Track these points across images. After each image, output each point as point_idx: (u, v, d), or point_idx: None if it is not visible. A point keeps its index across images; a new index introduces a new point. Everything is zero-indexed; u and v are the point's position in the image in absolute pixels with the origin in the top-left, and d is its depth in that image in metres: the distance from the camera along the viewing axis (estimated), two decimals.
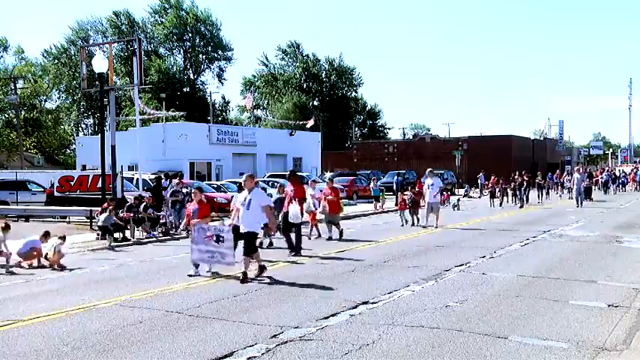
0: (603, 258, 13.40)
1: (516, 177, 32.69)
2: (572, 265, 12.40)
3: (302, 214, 15.08)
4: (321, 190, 18.62)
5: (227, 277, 11.42)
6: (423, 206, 21.34)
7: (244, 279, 10.73)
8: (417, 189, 22.86)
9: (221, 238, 11.04)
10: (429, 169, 22.51)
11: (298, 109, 79.75)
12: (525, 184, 32.38)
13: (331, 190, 18.13)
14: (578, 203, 30.16)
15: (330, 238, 17.03)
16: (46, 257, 12.98)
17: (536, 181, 37.11)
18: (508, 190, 32.91)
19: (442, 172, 45.58)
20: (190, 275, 11.34)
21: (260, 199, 11.25)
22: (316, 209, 17.55)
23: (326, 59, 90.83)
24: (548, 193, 37.70)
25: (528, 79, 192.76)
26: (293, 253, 13.96)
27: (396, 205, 23.53)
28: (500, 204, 31.71)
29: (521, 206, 30.76)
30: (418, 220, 21.32)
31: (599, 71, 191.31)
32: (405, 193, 22.77)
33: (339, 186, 34.78)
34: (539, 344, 6.92)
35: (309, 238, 16.97)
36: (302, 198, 15.43)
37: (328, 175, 45.70)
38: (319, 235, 17.58)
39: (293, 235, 14.62)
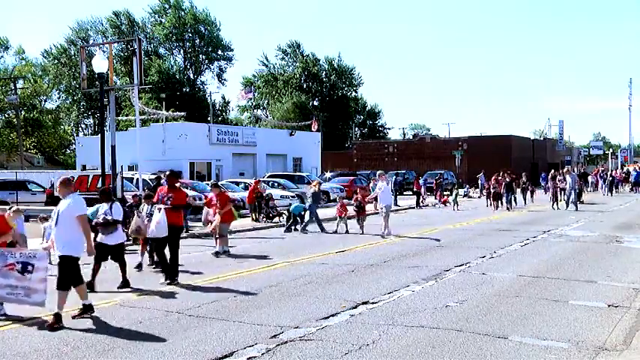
0: (603, 258, 13.41)
1: (500, 178, 29.86)
2: (572, 265, 12.40)
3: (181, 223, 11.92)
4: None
5: (227, 277, 11.43)
6: (381, 213, 18.64)
7: (55, 323, 7.87)
8: (358, 196, 20.35)
9: (29, 268, 8.17)
10: (379, 171, 21.13)
11: (298, 109, 79.76)
12: (509, 185, 29.56)
13: (218, 197, 15.06)
14: (574, 206, 27.95)
15: (217, 253, 14.36)
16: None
17: (521, 181, 33.94)
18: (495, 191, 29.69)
19: (442, 171, 45.60)
20: None
21: (73, 209, 8.36)
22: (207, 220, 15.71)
23: (326, 59, 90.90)
24: (532, 195, 34.47)
25: (528, 79, 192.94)
26: (167, 281, 10.75)
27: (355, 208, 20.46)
28: (496, 207, 28.89)
29: (508, 209, 28.60)
30: (363, 230, 19.09)
31: (599, 71, 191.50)
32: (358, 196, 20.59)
33: (338, 186, 34.94)
34: (539, 344, 6.92)
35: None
36: (183, 205, 11.86)
37: (328, 174, 45.74)
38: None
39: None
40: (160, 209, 11.16)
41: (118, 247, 10.74)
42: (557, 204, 28.87)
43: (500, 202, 29.13)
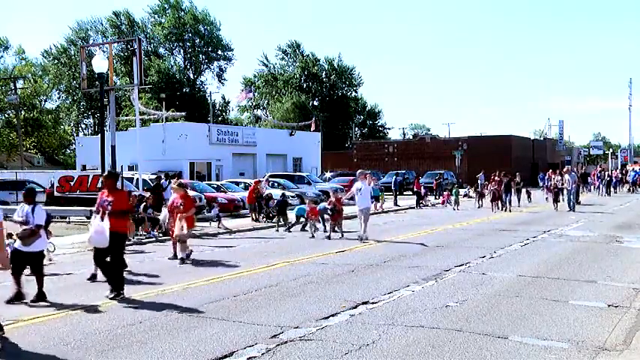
0: (603, 258, 13.40)
1: (496, 178, 29.27)
2: (572, 265, 12.40)
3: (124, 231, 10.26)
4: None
5: (227, 277, 11.43)
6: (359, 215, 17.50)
7: None
8: (333, 199, 18.34)
9: None
10: (359, 170, 19.52)
11: (298, 109, 79.79)
12: (507, 186, 29.04)
13: (183, 199, 14.01)
14: (570, 208, 27.51)
15: (182, 260, 13.36)
16: None
17: (515, 181, 32.21)
18: (487, 192, 29.39)
19: (442, 172, 45.61)
20: None
21: None
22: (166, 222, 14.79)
23: (326, 59, 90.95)
24: (528, 196, 33.89)
25: (528, 79, 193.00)
26: (112, 294, 9.59)
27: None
28: (500, 207, 28.58)
29: (505, 209, 28.21)
30: (342, 234, 17.70)
31: (599, 71, 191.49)
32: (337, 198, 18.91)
33: (338, 186, 34.93)
34: (539, 344, 6.92)
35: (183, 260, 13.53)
36: (125, 210, 10.36)
37: (328, 174, 45.73)
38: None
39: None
40: (98, 215, 9.88)
41: (37, 256, 9.58)
42: (557, 205, 28.39)
43: (500, 202, 28.64)
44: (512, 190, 30.27)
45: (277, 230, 20.26)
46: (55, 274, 11.90)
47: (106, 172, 10.54)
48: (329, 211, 18.23)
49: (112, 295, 9.55)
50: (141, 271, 12.44)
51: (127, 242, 16.74)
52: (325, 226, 18.84)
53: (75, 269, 12.69)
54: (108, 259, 9.94)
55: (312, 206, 19.06)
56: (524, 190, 33.09)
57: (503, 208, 28.46)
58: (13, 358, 6.75)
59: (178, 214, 13.77)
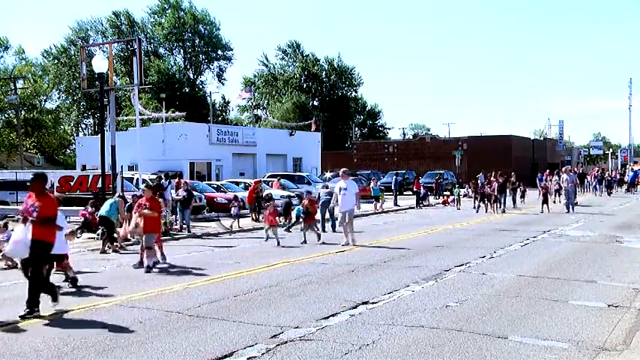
0: (603, 258, 13.41)
1: (492, 179, 28.28)
2: (572, 265, 12.40)
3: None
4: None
5: (227, 277, 11.43)
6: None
7: None
8: (306, 201, 17.49)
9: None
10: (342, 169, 17.56)
11: (298, 109, 79.77)
12: (502, 186, 27.87)
13: (149, 202, 12.95)
14: (568, 209, 26.68)
15: (148, 268, 12.24)
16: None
17: (511, 181, 31.31)
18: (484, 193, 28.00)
19: (442, 172, 45.60)
20: None
21: None
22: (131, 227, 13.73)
23: (326, 59, 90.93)
24: (523, 197, 32.97)
25: (528, 79, 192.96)
26: (24, 312, 8.41)
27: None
28: (477, 209, 27.70)
29: (503, 211, 27.15)
30: (319, 236, 16.79)
31: (599, 71, 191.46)
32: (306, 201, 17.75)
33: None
34: (539, 344, 6.92)
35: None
36: (52, 217, 8.83)
37: (328, 174, 45.71)
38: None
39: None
40: (20, 222, 8.92)
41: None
42: (545, 207, 26.90)
43: (491, 203, 27.61)
44: (508, 190, 29.59)
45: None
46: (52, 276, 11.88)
47: (32, 175, 9.29)
48: (302, 214, 17.39)
49: (24, 313, 8.36)
50: (141, 271, 12.45)
51: (127, 243, 16.90)
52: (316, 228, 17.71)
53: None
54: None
55: (273, 209, 17.09)
56: (519, 190, 32.36)
57: (496, 209, 27.33)
58: (13, 357, 6.75)
59: (138, 212, 12.98)
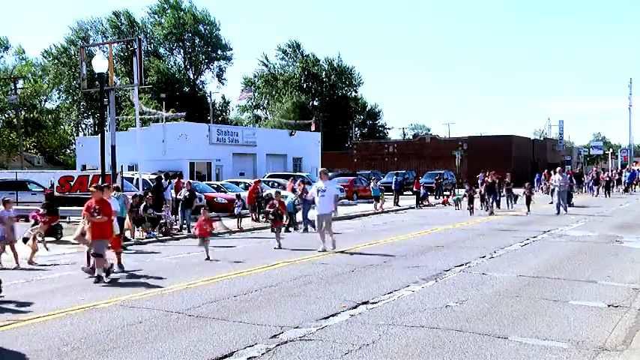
0: (603, 258, 13.41)
1: (486, 178, 27.65)
2: (572, 265, 12.40)
3: None
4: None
5: (227, 277, 11.43)
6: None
7: None
8: (276, 202, 16.48)
9: None
10: (322, 169, 16.24)
11: (298, 109, 79.81)
12: (490, 187, 27.20)
13: (99, 204, 11.39)
14: (558, 210, 25.40)
15: (99, 277, 11.07)
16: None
17: (505, 181, 31.02)
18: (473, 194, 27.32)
19: (442, 172, 45.61)
20: None
21: None
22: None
23: (326, 59, 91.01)
24: (515, 198, 30.94)
25: (528, 79, 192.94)
26: None
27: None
28: (471, 211, 26.51)
29: (491, 213, 26.26)
30: (305, 229, 16.26)
31: (599, 71, 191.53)
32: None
33: (338, 186, 34.94)
34: (539, 344, 6.92)
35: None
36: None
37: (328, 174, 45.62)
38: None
39: None
40: None
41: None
42: (529, 207, 26.30)
43: (483, 204, 27.10)
44: (502, 191, 29.01)
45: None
46: (54, 275, 11.90)
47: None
48: (270, 215, 16.23)
49: None
50: (141, 271, 12.45)
51: (127, 243, 16.90)
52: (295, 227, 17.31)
53: (73, 269, 12.67)
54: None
55: (206, 217, 14.47)
56: (513, 191, 31.16)
57: (491, 211, 26.46)
58: (13, 357, 6.75)
59: (87, 218, 11.43)
